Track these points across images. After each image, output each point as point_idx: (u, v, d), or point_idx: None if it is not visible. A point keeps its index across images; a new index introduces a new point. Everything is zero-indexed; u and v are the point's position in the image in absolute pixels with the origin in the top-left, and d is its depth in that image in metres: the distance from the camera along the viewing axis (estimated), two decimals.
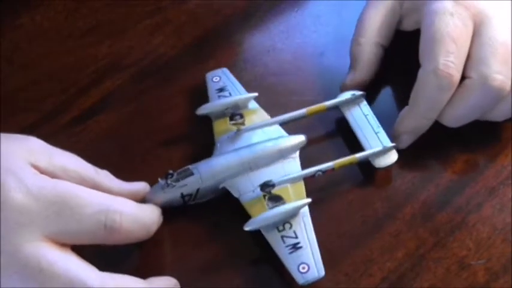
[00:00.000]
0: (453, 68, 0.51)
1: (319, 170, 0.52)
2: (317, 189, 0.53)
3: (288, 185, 0.52)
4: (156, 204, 0.50)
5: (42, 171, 0.45)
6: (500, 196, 0.53)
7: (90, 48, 0.62)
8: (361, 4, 0.59)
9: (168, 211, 0.51)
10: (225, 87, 0.58)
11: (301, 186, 0.52)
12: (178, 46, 0.63)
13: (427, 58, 0.52)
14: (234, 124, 0.55)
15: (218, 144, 0.54)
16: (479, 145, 0.56)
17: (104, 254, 0.46)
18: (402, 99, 0.55)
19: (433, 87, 0.52)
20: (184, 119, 0.58)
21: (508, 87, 0.52)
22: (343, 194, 0.54)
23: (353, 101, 0.56)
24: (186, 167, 0.52)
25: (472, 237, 0.51)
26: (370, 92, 0.57)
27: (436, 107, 0.53)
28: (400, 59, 0.58)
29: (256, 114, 0.56)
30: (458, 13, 0.52)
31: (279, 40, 0.62)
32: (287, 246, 0.49)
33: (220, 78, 0.59)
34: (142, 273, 0.47)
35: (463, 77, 0.52)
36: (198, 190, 0.51)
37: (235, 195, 0.51)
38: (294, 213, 0.50)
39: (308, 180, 0.52)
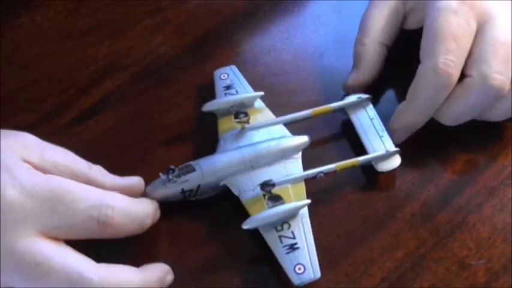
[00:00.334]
0: (452, 66, 0.51)
1: (320, 172, 0.52)
2: (318, 189, 0.53)
3: (289, 186, 0.52)
4: (156, 199, 0.50)
5: (34, 167, 0.45)
6: (501, 196, 0.53)
7: (90, 48, 0.62)
8: (361, 4, 0.59)
9: (168, 210, 0.51)
10: (232, 84, 0.58)
11: (301, 187, 0.52)
12: (178, 46, 0.63)
13: (427, 55, 0.52)
14: (238, 122, 0.55)
15: (222, 142, 0.54)
16: (480, 145, 0.56)
17: (103, 254, 0.46)
18: (404, 98, 0.55)
19: (431, 84, 0.52)
20: (184, 119, 0.58)
21: (508, 87, 0.52)
22: (344, 194, 0.54)
23: (359, 104, 0.56)
24: (188, 163, 0.52)
25: (472, 237, 0.51)
26: (372, 91, 0.57)
27: (432, 105, 0.53)
28: (403, 57, 0.58)
29: (262, 113, 0.56)
30: (462, 12, 0.52)
31: (279, 40, 0.62)
32: (284, 246, 0.49)
33: (228, 75, 0.59)
34: None
35: (463, 75, 0.52)
36: (199, 186, 0.51)
37: (236, 193, 0.51)
38: (293, 213, 0.50)
39: (309, 181, 0.52)
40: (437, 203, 0.53)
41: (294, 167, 0.53)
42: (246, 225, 0.49)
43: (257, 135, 0.55)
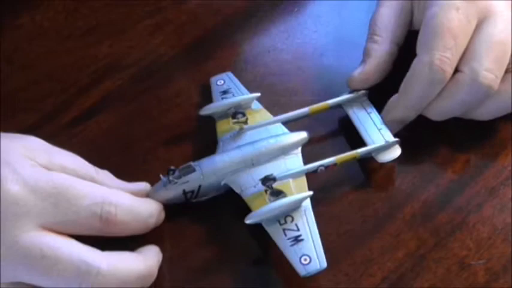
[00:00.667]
0: (448, 63, 0.51)
1: (321, 165, 0.52)
2: (317, 189, 0.53)
3: (290, 180, 0.52)
4: (158, 201, 0.50)
5: None
6: (501, 196, 0.53)
7: (90, 48, 0.62)
8: (361, 4, 0.59)
9: (170, 211, 0.51)
10: (229, 89, 0.58)
11: (303, 181, 0.52)
12: (178, 46, 0.63)
13: (424, 49, 0.52)
14: (236, 123, 0.55)
15: (221, 143, 0.54)
16: (479, 145, 0.56)
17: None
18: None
19: (425, 79, 0.52)
20: (184, 119, 0.58)
21: (496, 86, 0.52)
22: (344, 194, 0.54)
23: (356, 100, 0.56)
24: (188, 164, 0.52)
25: (472, 237, 0.51)
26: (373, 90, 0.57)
27: (424, 99, 0.53)
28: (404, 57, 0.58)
29: (259, 114, 0.56)
30: (464, 8, 0.52)
31: (279, 40, 0.62)
32: (288, 239, 0.48)
33: (224, 81, 0.59)
34: None
35: (455, 70, 0.52)
36: (200, 187, 0.51)
37: (237, 191, 0.51)
38: (296, 206, 0.50)
39: (309, 178, 0.52)
40: (438, 203, 0.53)
41: (295, 162, 0.53)
42: (248, 220, 0.49)
43: (256, 135, 0.55)
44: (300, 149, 0.54)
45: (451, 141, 0.56)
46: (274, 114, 0.56)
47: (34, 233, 0.42)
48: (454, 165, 0.55)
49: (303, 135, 0.54)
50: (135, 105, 0.59)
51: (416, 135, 0.55)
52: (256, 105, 0.57)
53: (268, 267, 0.50)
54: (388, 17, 0.57)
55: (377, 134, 0.54)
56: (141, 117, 0.59)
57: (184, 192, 0.51)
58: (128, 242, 0.48)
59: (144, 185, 0.51)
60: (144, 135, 0.57)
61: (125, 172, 0.51)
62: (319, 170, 0.52)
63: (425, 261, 0.50)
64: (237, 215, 0.51)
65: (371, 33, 0.57)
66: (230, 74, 0.59)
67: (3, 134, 0.46)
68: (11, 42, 0.63)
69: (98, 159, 0.50)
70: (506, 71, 0.53)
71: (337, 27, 0.63)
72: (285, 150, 0.53)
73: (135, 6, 0.65)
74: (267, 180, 0.51)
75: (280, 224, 0.49)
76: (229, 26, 0.64)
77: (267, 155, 0.53)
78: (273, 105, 0.57)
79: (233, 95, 0.57)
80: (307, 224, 0.49)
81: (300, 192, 0.51)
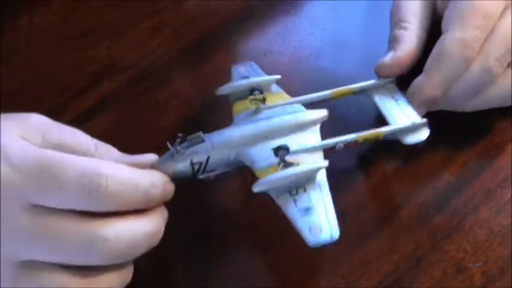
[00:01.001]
0: (478, 43, 0.51)
1: (340, 142, 0.50)
2: None
3: (306, 155, 0.49)
4: (167, 173, 0.47)
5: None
6: (497, 199, 0.53)
7: (88, 50, 0.62)
8: (358, 6, 0.59)
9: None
10: (249, 76, 0.56)
11: (320, 157, 0.49)
12: (176, 48, 0.63)
13: (456, 26, 0.52)
14: (253, 100, 0.53)
15: (235, 120, 0.52)
16: (476, 148, 0.56)
17: None
18: None
19: (456, 56, 0.51)
20: (181, 121, 0.58)
21: (500, 73, 0.52)
22: (341, 196, 0.53)
23: (382, 86, 0.55)
24: (197, 134, 0.49)
25: (469, 239, 0.52)
26: None
27: (453, 77, 0.52)
28: None
29: (279, 96, 0.54)
30: None
31: (276, 43, 0.63)
32: (299, 210, 0.45)
33: (245, 68, 0.57)
34: None
35: None
36: (208, 158, 0.48)
37: (248, 164, 0.49)
38: (309, 177, 0.47)
39: None
40: (434, 205, 0.53)
41: (312, 139, 0.50)
42: (256, 188, 0.46)
43: (272, 113, 0.52)
44: (318, 126, 0.51)
45: (448, 143, 0.56)
46: None
47: (32, 211, 0.42)
48: (451, 168, 0.55)
49: (322, 113, 0.52)
50: (133, 107, 0.59)
51: None
52: (276, 88, 0.55)
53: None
54: (414, 4, 0.56)
55: (403, 116, 0.52)
56: (139, 119, 0.59)
57: (192, 164, 0.48)
58: None
59: (150, 156, 0.48)
60: (142, 137, 0.57)
61: None
62: (337, 147, 0.50)
63: (422, 263, 0.50)
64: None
65: (397, 21, 0.56)
66: (253, 63, 0.58)
67: (3, 115, 0.45)
68: (9, 44, 0.63)
69: None
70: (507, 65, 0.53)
71: (334, 30, 0.63)
72: (302, 127, 0.51)
73: (133, 9, 0.65)
74: (280, 149, 0.48)
75: (291, 195, 0.46)
76: (226, 29, 0.64)
77: (282, 130, 0.50)
78: None
79: None
80: (320, 196, 0.46)
81: None
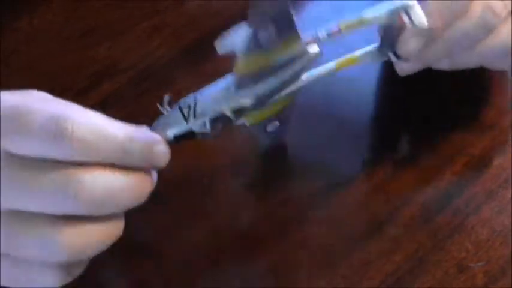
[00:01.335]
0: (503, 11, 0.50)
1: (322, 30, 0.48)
2: (316, 191, 0.53)
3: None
4: (158, 131, 0.45)
5: None
6: (499, 198, 0.53)
7: (88, 50, 0.62)
8: (361, 5, 0.59)
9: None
10: None
11: None
12: (177, 48, 0.63)
13: None
14: None
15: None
16: (478, 147, 0.56)
17: None
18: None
19: (476, 23, 0.49)
20: None
21: (501, 17, 0.50)
22: (342, 196, 0.54)
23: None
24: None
25: (470, 239, 0.51)
26: None
27: (455, 11, 0.49)
28: None
29: None
30: None
31: None
32: None
33: None
34: None
35: None
36: (196, 100, 0.47)
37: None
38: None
39: (308, 183, 0.52)
40: (436, 205, 0.53)
41: None
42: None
43: None
44: None
45: (450, 143, 0.56)
46: None
47: (6, 158, 0.40)
48: (453, 168, 0.55)
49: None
50: (133, 108, 0.59)
51: (415, 137, 0.55)
52: None
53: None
54: None
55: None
56: (139, 119, 0.58)
57: (180, 109, 0.47)
58: None
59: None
60: None
61: None
62: (320, 37, 0.48)
63: (424, 263, 0.50)
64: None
65: None
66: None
67: (3, 92, 0.43)
68: (9, 44, 0.62)
69: None
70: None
71: None
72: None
73: (133, 9, 0.65)
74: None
75: None
76: (227, 28, 0.64)
77: None
78: None
79: None
80: None
81: None
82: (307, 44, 0.47)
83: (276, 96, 0.48)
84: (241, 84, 0.48)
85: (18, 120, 0.40)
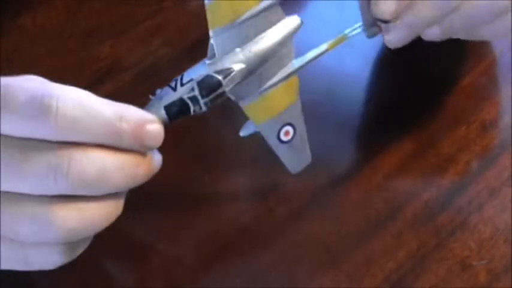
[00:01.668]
0: None
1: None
2: (318, 189, 0.53)
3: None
4: (157, 115, 0.45)
5: None
6: (502, 197, 0.53)
7: (91, 49, 0.62)
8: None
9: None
10: None
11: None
12: (179, 47, 0.63)
13: None
14: None
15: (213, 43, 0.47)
16: (481, 146, 0.56)
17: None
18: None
19: None
20: (185, 119, 0.58)
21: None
22: (345, 193, 0.54)
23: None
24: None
25: (473, 237, 0.51)
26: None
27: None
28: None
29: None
30: None
31: None
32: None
33: None
34: None
35: None
36: (182, 74, 0.47)
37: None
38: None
39: (310, 178, 0.52)
40: (439, 203, 0.53)
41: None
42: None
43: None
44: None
45: (453, 141, 0.56)
46: None
47: None
48: (456, 166, 0.55)
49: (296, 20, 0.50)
50: (136, 106, 0.59)
51: (417, 135, 0.55)
52: None
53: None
54: None
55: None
56: None
57: (169, 85, 0.47)
58: None
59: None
60: None
61: None
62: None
63: (427, 261, 0.50)
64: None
65: None
66: None
67: (2, 78, 0.43)
68: (12, 43, 0.62)
69: None
70: None
71: (338, 27, 0.63)
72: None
73: (136, 7, 0.65)
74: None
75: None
76: None
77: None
78: None
79: None
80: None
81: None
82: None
83: (269, 74, 0.48)
84: (223, 49, 0.47)
85: (2, 99, 0.39)
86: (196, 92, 0.45)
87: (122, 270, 0.51)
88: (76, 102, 0.40)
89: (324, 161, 0.53)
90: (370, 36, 0.51)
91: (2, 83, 0.40)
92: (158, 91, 0.47)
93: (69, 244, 0.41)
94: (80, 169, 0.39)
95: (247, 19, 0.47)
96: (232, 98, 0.47)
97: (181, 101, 0.45)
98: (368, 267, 0.50)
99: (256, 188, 0.54)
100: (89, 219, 0.41)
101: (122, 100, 0.58)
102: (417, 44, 0.54)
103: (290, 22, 0.50)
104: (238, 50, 0.47)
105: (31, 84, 0.40)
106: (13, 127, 0.40)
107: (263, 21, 0.48)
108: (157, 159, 0.44)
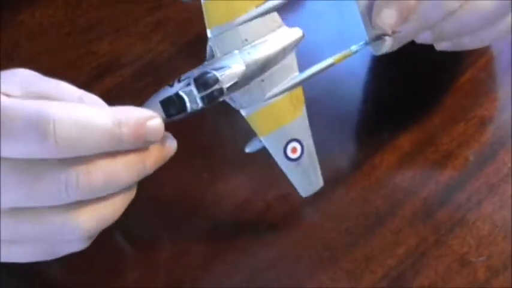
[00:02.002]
0: None
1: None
2: None
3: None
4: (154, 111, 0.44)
5: None
6: (501, 193, 0.53)
7: (90, 45, 0.62)
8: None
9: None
10: None
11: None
12: (179, 43, 0.63)
13: None
14: None
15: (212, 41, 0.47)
16: (480, 142, 0.56)
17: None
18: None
19: None
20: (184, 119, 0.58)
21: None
22: (344, 190, 0.54)
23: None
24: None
25: (472, 234, 0.52)
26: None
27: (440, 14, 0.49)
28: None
29: None
30: None
31: None
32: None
33: None
34: None
35: None
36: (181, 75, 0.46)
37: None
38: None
39: None
40: (438, 200, 0.53)
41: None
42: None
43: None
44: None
45: (451, 137, 0.56)
46: None
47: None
48: (454, 162, 0.55)
49: (298, 33, 0.50)
50: (135, 103, 0.59)
51: (416, 132, 0.55)
52: None
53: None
54: None
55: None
56: None
57: (168, 84, 0.46)
58: None
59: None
60: None
61: None
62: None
63: (426, 258, 0.51)
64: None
65: None
66: None
67: None
68: (11, 39, 0.62)
69: None
70: None
71: (338, 25, 0.63)
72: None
73: (135, 3, 0.65)
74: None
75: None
76: None
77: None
78: None
79: None
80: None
81: None
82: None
83: (272, 83, 0.48)
84: (222, 50, 0.47)
85: (2, 126, 0.39)
86: (193, 87, 0.45)
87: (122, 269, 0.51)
88: (73, 120, 0.40)
89: (323, 158, 0.53)
90: (377, 52, 0.51)
91: (3, 106, 0.39)
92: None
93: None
94: (88, 179, 0.40)
95: (245, 22, 0.47)
96: (235, 106, 0.47)
97: (177, 95, 0.45)
98: (367, 264, 0.50)
99: (256, 185, 0.54)
100: (107, 215, 0.43)
101: (121, 96, 0.59)
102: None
103: (292, 33, 0.50)
104: (236, 52, 0.47)
105: (27, 104, 0.40)
106: (15, 151, 0.40)
107: (261, 26, 0.48)
108: (169, 144, 0.45)
